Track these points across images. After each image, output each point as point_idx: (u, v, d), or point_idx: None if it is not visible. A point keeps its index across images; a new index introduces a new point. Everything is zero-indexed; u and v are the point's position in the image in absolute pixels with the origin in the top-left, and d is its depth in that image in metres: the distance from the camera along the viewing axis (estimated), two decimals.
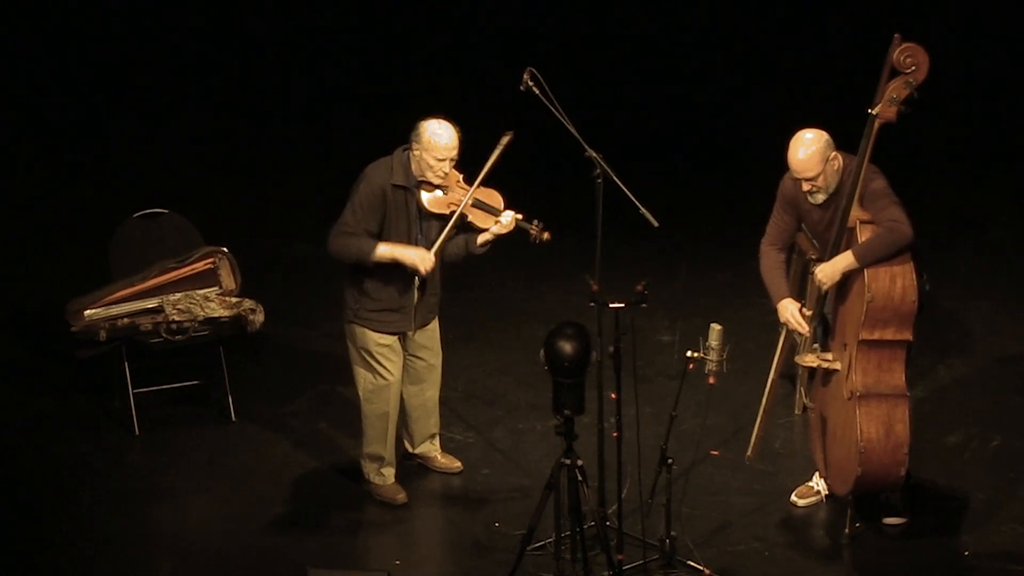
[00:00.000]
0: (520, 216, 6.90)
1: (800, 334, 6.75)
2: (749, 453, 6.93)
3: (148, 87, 12.48)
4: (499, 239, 6.92)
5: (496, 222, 6.87)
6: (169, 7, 12.67)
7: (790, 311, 6.76)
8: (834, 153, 6.57)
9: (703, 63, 12.92)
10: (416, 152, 6.77)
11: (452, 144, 6.74)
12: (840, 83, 10.38)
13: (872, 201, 6.48)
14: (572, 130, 6.53)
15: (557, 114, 6.55)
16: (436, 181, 6.80)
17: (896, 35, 6.33)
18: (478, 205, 6.87)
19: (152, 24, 12.62)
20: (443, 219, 6.90)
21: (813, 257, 6.97)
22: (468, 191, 6.84)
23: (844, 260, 6.49)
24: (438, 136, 6.72)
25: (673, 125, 12.52)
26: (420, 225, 6.89)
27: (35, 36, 12.30)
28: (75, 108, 12.27)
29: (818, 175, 6.54)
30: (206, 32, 12.73)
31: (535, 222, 6.90)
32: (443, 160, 6.74)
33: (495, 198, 6.92)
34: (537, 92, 6.58)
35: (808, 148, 6.53)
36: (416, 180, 6.82)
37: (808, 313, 6.77)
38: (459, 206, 6.83)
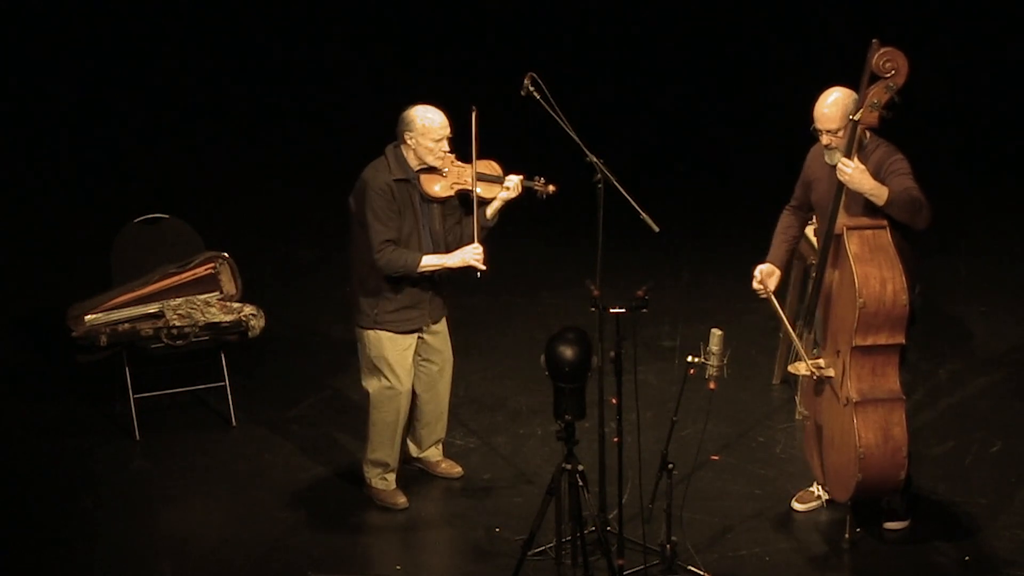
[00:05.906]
0: (523, 177, 6.95)
1: (791, 341, 6.71)
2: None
3: (150, 91, 12.48)
4: (507, 206, 6.94)
5: (504, 188, 6.92)
6: (171, 10, 12.68)
7: (759, 269, 6.78)
8: None
9: (705, 68, 12.92)
10: (411, 141, 6.84)
11: (444, 123, 6.85)
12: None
13: (894, 176, 6.39)
14: (573, 135, 6.53)
15: (558, 119, 6.55)
16: (438, 163, 6.87)
17: (874, 40, 6.29)
18: (482, 178, 6.91)
19: (154, 28, 12.63)
20: (444, 203, 6.96)
21: (813, 262, 6.96)
22: (467, 168, 6.90)
23: (875, 187, 6.34)
24: (430, 120, 6.82)
25: (675, 130, 12.52)
26: (424, 212, 6.93)
27: (37, 39, 12.30)
28: (77, 112, 12.27)
29: (839, 129, 6.45)
30: (209, 36, 12.74)
31: (537, 178, 6.95)
32: (440, 140, 6.84)
33: (494, 167, 6.98)
34: (538, 97, 6.58)
35: (835, 100, 6.47)
36: (415, 171, 6.88)
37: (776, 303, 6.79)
38: (463, 184, 6.90)
